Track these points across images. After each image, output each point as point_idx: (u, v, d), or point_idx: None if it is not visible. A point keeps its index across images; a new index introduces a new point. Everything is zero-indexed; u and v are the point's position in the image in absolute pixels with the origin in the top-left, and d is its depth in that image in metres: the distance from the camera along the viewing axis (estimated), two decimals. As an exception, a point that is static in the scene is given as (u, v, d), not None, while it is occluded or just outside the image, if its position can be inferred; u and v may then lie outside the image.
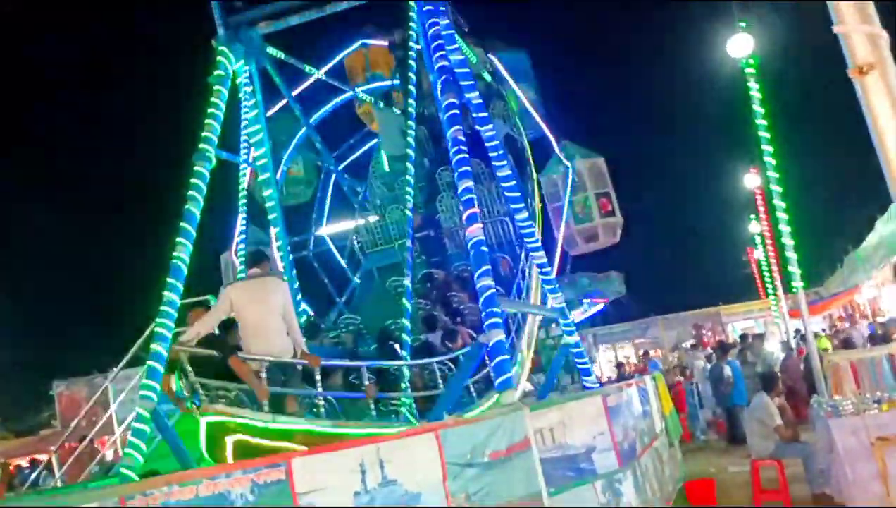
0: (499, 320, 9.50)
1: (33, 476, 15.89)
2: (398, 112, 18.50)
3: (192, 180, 10.88)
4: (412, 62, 15.63)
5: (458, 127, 10.94)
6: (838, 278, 33.20)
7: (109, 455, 16.77)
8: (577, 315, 23.85)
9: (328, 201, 21.88)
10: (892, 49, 3.01)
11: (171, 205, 11.97)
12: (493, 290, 9.84)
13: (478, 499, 5.84)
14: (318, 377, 8.93)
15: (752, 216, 31.28)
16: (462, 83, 12.26)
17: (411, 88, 15.54)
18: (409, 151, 14.67)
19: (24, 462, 24.69)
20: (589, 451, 7.74)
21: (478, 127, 12.87)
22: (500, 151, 13.11)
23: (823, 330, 26.05)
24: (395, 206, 17.58)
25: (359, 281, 19.14)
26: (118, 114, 60.46)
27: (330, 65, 20.48)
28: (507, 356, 9.29)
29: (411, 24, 14.88)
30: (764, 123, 14.06)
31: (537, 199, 20.38)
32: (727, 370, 17.36)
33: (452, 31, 12.51)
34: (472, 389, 11.38)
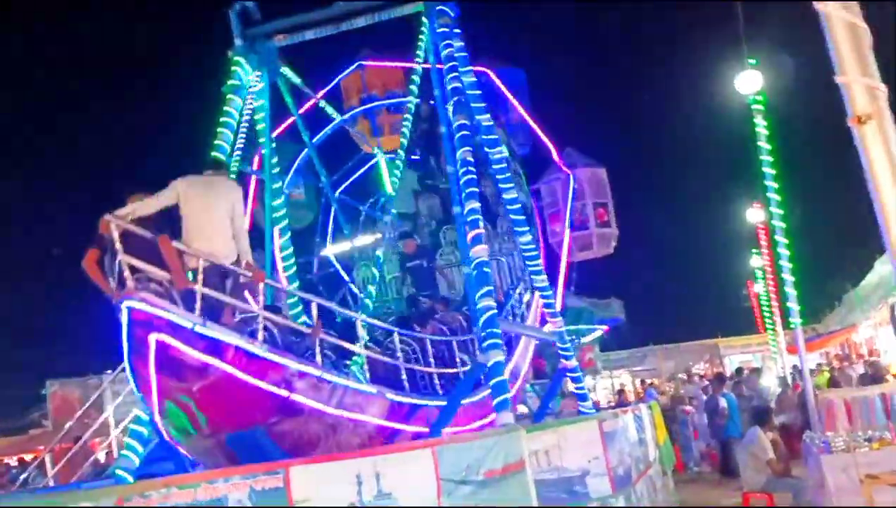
0: (498, 340, 9.60)
1: (23, 475, 15.87)
2: (413, 172, 18.81)
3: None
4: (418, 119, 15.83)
5: (467, 148, 11.10)
6: (837, 316, 33.28)
7: (102, 457, 16.77)
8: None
9: (331, 224, 21.81)
10: (892, 102, 3.16)
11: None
12: (494, 311, 9.96)
13: (471, 516, 5.92)
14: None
15: (754, 250, 31.39)
16: (473, 105, 12.43)
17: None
18: None
19: (13, 462, 24.64)
20: (583, 475, 7.82)
21: (487, 149, 13.03)
22: (508, 174, 13.27)
23: (819, 365, 26.08)
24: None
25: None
26: (130, 121, 60.77)
27: (328, 87, 20.59)
28: (505, 377, 9.39)
29: (420, 39, 15.04)
30: (769, 159, 14.22)
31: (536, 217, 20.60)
32: (723, 403, 17.42)
33: (465, 54, 12.69)
34: None
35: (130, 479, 9.03)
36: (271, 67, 14.44)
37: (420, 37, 14.82)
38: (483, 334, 9.76)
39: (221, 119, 12.16)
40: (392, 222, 17.10)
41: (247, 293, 8.87)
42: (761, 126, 14.09)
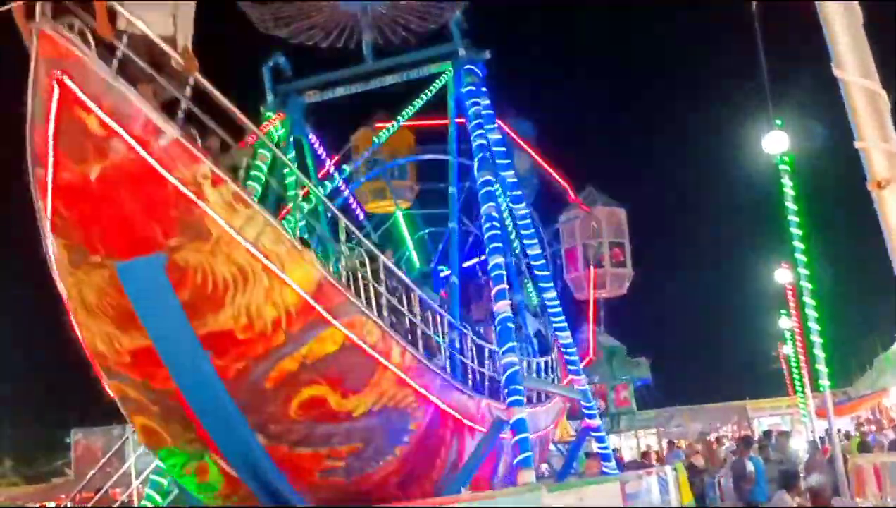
0: (521, 397, 9.55)
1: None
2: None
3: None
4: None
5: (492, 204, 11.18)
6: (868, 379, 32.64)
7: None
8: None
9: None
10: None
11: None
12: (518, 367, 9.93)
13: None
14: None
15: (783, 311, 31.03)
16: (499, 162, 12.56)
17: None
18: None
19: (36, 509, 24.63)
20: (604, 537, 7.67)
21: (511, 205, 13.13)
22: (532, 230, 13.33)
23: (848, 432, 25.56)
24: None
25: None
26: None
27: (343, 150, 20.75)
28: (527, 434, 9.31)
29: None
30: (796, 219, 14.15)
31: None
32: (749, 466, 17.04)
33: (492, 112, 12.87)
34: None
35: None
36: (297, 123, 14.68)
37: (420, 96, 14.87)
38: (506, 390, 9.72)
39: (252, 173, 12.36)
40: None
41: None
42: (788, 186, 14.04)
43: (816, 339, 14.09)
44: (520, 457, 8.99)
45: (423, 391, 8.57)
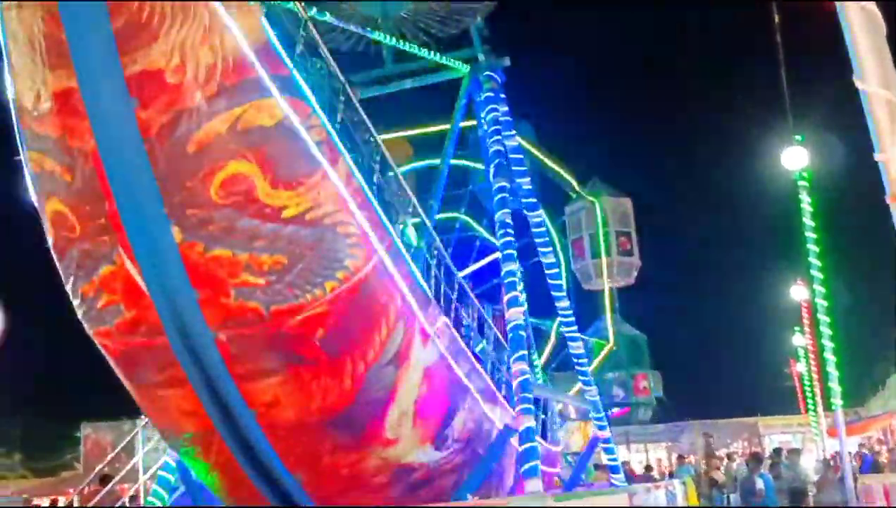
0: (531, 405, 9.51)
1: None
2: None
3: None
4: None
5: (506, 210, 11.17)
6: (880, 399, 32.40)
7: (129, 502, 16.76)
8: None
9: None
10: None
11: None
12: (528, 376, 9.88)
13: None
14: None
15: (797, 329, 30.83)
16: (514, 168, 12.56)
17: None
18: None
19: (44, 503, 24.75)
20: (609, 547, 7.63)
21: (526, 212, 13.10)
22: (546, 238, 13.30)
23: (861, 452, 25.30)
24: None
25: None
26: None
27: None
28: (535, 444, 9.26)
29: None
30: (814, 236, 14.05)
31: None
32: (759, 483, 16.92)
33: (510, 119, 12.87)
34: None
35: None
36: None
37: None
38: (516, 398, 9.68)
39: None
40: None
41: None
42: (806, 202, 13.95)
43: (830, 357, 13.97)
44: (527, 465, 8.94)
45: (367, 230, 7.57)
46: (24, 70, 6.24)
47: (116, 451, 17.38)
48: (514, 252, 10.96)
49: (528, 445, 9.13)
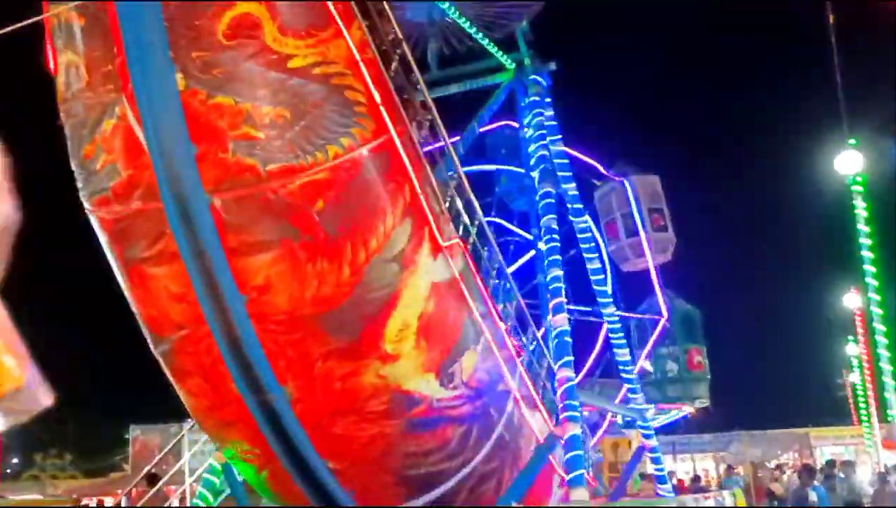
0: (576, 413, 9.37)
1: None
2: None
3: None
4: None
5: (552, 216, 11.05)
6: (938, 411, 31.46)
7: (176, 503, 16.95)
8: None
9: None
10: None
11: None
12: (573, 383, 9.75)
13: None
14: None
15: (851, 338, 30.14)
16: (560, 174, 12.43)
17: None
18: None
19: (92, 503, 25.14)
20: (657, 560, 7.47)
21: (571, 218, 12.97)
22: (592, 244, 13.14)
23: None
24: None
25: None
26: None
27: None
28: (580, 452, 9.12)
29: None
30: (868, 242, 13.72)
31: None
32: (813, 497, 16.50)
33: (555, 123, 12.75)
34: None
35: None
36: None
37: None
38: (561, 405, 9.55)
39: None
40: None
41: None
42: (860, 208, 13.63)
43: (886, 367, 13.63)
44: (572, 474, 8.79)
45: (379, 104, 7.13)
46: None
47: (164, 453, 17.57)
48: (560, 258, 10.84)
49: (574, 453, 8.99)
